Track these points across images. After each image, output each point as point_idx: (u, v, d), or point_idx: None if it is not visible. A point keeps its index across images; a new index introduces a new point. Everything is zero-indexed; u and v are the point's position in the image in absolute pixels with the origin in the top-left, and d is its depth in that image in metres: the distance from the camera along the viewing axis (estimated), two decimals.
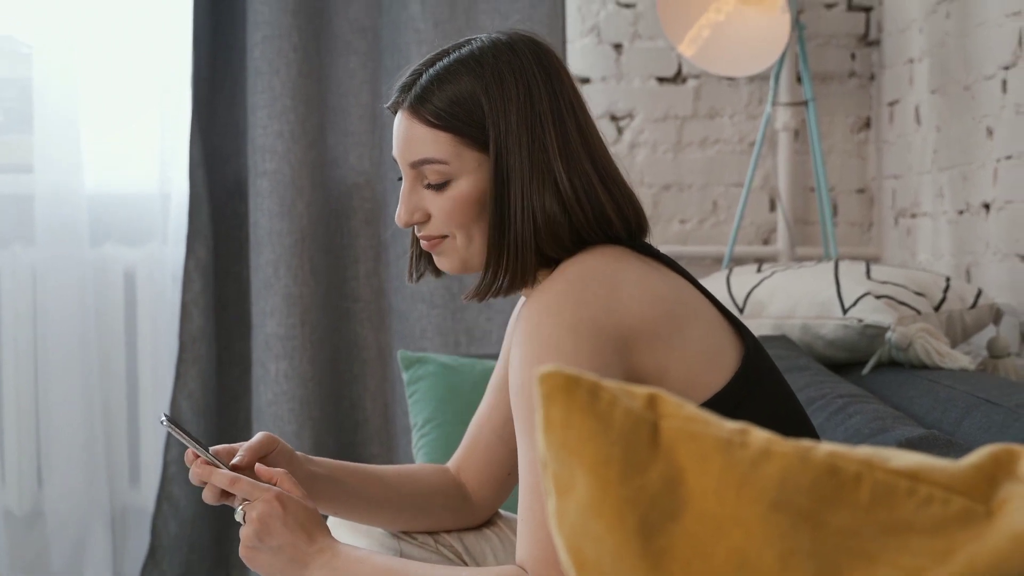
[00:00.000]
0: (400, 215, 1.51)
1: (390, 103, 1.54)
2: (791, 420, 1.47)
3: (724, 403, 1.39)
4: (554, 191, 1.45)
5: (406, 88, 1.50)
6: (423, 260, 1.60)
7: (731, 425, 0.73)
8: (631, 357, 1.37)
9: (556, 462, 0.73)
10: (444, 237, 1.50)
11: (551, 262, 1.48)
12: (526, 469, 1.35)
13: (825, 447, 0.73)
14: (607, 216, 1.47)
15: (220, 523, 3.09)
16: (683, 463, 0.72)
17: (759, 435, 0.73)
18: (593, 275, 1.39)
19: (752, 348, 1.46)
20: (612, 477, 0.70)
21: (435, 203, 1.49)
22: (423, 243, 1.53)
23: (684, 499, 0.71)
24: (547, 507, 0.74)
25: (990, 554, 0.69)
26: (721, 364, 1.42)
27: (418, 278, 1.62)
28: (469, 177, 1.47)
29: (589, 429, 0.71)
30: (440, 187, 1.48)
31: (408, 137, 1.50)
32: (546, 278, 1.49)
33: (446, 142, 1.47)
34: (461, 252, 1.50)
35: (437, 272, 1.60)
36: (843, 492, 0.71)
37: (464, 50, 1.50)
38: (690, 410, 0.73)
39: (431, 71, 1.49)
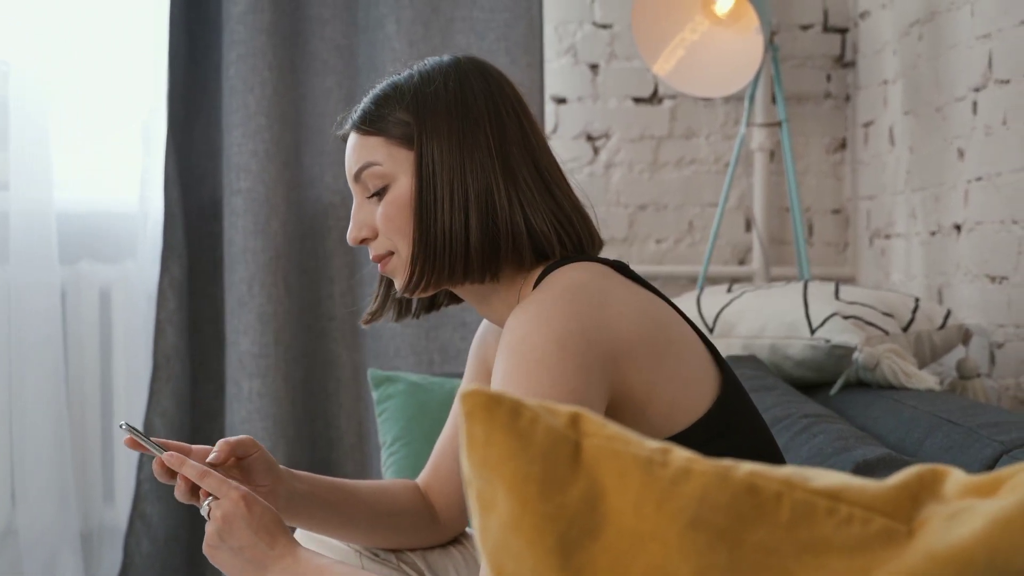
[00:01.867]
0: (349, 232, 1.51)
1: (340, 133, 1.55)
2: (767, 446, 1.46)
3: (708, 429, 1.37)
4: (487, 186, 1.43)
5: (352, 115, 1.53)
6: (389, 304, 1.59)
7: (652, 444, 0.74)
8: (617, 376, 1.32)
9: (479, 479, 0.73)
10: (392, 254, 1.49)
11: (493, 271, 1.46)
12: None
13: (746, 466, 0.73)
14: (549, 222, 1.45)
15: (193, 542, 3.08)
16: (604, 481, 0.72)
17: (680, 454, 0.73)
18: (584, 289, 1.35)
19: (729, 374, 1.44)
20: (531, 494, 0.71)
21: (377, 213, 1.48)
22: (377, 265, 1.52)
23: (604, 516, 0.71)
24: (473, 524, 0.75)
25: (906, 573, 0.69)
26: (703, 390, 1.39)
27: (370, 320, 1.59)
28: (404, 178, 1.46)
29: (509, 447, 0.72)
30: (381, 194, 1.47)
31: (348, 153, 1.52)
32: (513, 293, 1.48)
33: (376, 144, 1.47)
34: (407, 265, 1.47)
35: (398, 316, 1.59)
36: (762, 511, 0.71)
37: (403, 72, 1.52)
38: (612, 429, 0.74)
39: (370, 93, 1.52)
